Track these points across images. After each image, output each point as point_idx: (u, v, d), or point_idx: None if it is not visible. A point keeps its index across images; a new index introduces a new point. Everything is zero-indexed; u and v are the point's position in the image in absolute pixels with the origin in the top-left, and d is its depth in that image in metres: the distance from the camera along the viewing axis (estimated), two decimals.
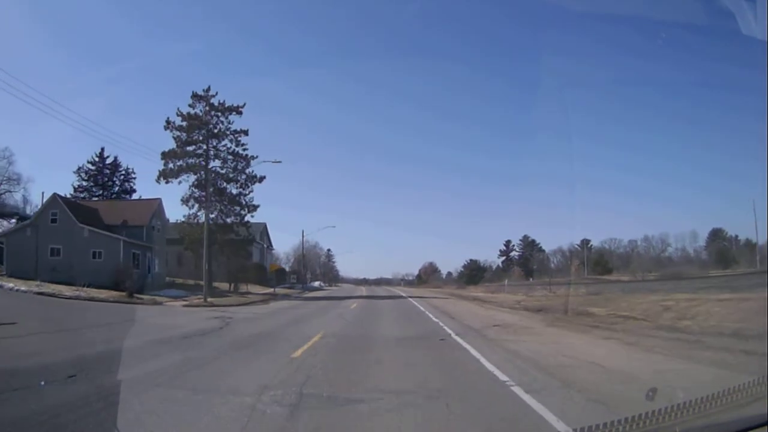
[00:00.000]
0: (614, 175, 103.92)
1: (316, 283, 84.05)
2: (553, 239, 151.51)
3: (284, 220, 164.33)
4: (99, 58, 76.63)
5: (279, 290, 43.81)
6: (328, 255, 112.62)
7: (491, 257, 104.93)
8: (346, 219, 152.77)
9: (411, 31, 75.49)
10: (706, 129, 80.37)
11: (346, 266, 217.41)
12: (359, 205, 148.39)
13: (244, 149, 37.78)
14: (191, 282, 38.70)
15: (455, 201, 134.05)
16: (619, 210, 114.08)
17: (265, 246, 59.84)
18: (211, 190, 35.33)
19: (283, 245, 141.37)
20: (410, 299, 34.67)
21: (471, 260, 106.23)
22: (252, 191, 38.49)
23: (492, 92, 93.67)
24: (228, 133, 37.24)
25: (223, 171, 37.80)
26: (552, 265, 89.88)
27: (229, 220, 38.16)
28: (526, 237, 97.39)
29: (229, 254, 37.44)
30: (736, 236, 72.12)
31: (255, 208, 38.76)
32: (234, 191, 38.25)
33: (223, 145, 37.53)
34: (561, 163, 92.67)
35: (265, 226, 62.86)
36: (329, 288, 75.47)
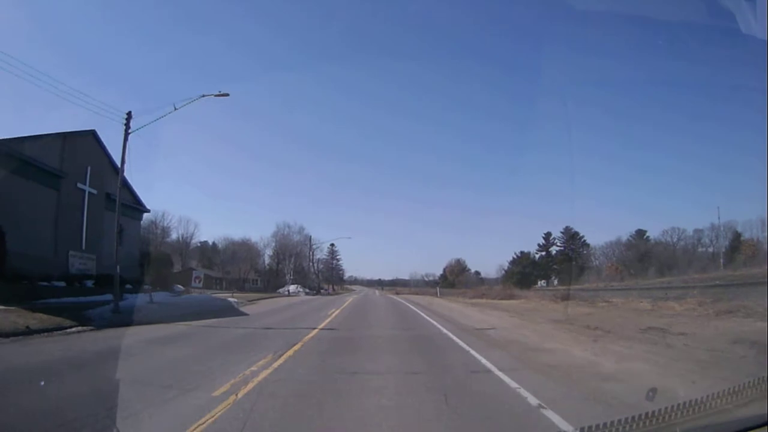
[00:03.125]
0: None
1: (290, 288, 57.17)
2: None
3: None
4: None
5: None
6: (332, 251, 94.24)
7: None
8: (355, 215, 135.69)
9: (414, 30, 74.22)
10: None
11: (359, 266, 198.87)
12: (370, 201, 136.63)
13: None
14: None
15: (476, 196, 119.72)
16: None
17: (91, 191, 25.08)
18: None
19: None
20: None
21: (522, 253, 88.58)
22: None
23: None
24: None
25: None
26: (597, 261, 77.66)
27: None
28: (568, 228, 78.89)
29: None
30: None
31: None
32: None
33: None
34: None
35: (97, 145, 25.52)
36: (303, 297, 47.36)
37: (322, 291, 72.07)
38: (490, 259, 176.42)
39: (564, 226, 79.18)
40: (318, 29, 78.13)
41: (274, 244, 71.23)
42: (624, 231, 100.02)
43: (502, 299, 35.11)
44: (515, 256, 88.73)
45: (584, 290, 41.74)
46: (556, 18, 46.15)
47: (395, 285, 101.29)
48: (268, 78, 79.59)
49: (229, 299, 23.72)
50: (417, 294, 59.94)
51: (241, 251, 63.00)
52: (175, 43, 69.72)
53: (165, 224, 63.22)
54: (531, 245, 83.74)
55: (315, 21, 76.51)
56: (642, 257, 66.31)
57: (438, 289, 61.46)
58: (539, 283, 76.98)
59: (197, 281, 28.70)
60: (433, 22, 70.35)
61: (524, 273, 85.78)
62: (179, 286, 29.06)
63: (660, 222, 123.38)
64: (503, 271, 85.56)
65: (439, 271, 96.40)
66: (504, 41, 76.45)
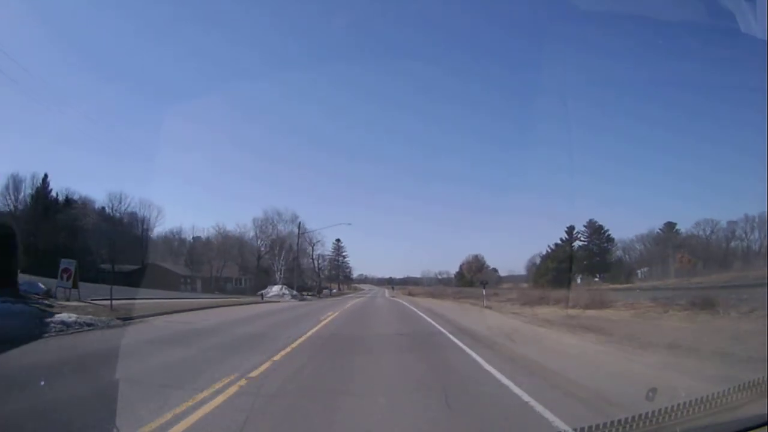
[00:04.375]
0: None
1: (271, 291, 45.03)
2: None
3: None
4: None
5: None
6: (338, 247, 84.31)
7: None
8: (361, 214, 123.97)
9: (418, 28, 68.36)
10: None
11: (368, 264, 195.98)
12: (378, 199, 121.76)
13: None
14: None
15: (483, 194, 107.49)
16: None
17: None
18: None
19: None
20: None
21: (557, 245, 76.26)
22: None
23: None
24: None
25: None
26: (627, 256, 71.98)
27: None
28: (592, 222, 70.92)
29: None
30: None
31: None
32: None
33: None
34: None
35: None
36: (287, 302, 36.12)
37: (324, 291, 60.50)
38: (499, 257, 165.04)
39: (587, 220, 71.94)
40: (319, 27, 73.41)
41: (253, 233, 58.42)
42: (628, 232, 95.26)
43: (586, 308, 21.04)
44: (549, 249, 79.00)
45: (678, 289, 29.24)
46: (557, 17, 44.96)
47: (407, 284, 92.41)
48: (272, 76, 74.44)
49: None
50: (435, 297, 46.58)
51: (217, 244, 51.34)
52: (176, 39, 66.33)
53: (124, 209, 52.30)
54: (544, 243, 78.15)
55: (317, 19, 70.45)
56: (674, 251, 62.01)
57: (483, 291, 32.61)
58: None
59: (65, 277, 16.97)
60: (433, 21, 66.09)
61: (560, 269, 72.41)
62: (41, 284, 17.40)
63: (658, 219, 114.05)
64: (534, 266, 76.59)
65: (452, 269, 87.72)
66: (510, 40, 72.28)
